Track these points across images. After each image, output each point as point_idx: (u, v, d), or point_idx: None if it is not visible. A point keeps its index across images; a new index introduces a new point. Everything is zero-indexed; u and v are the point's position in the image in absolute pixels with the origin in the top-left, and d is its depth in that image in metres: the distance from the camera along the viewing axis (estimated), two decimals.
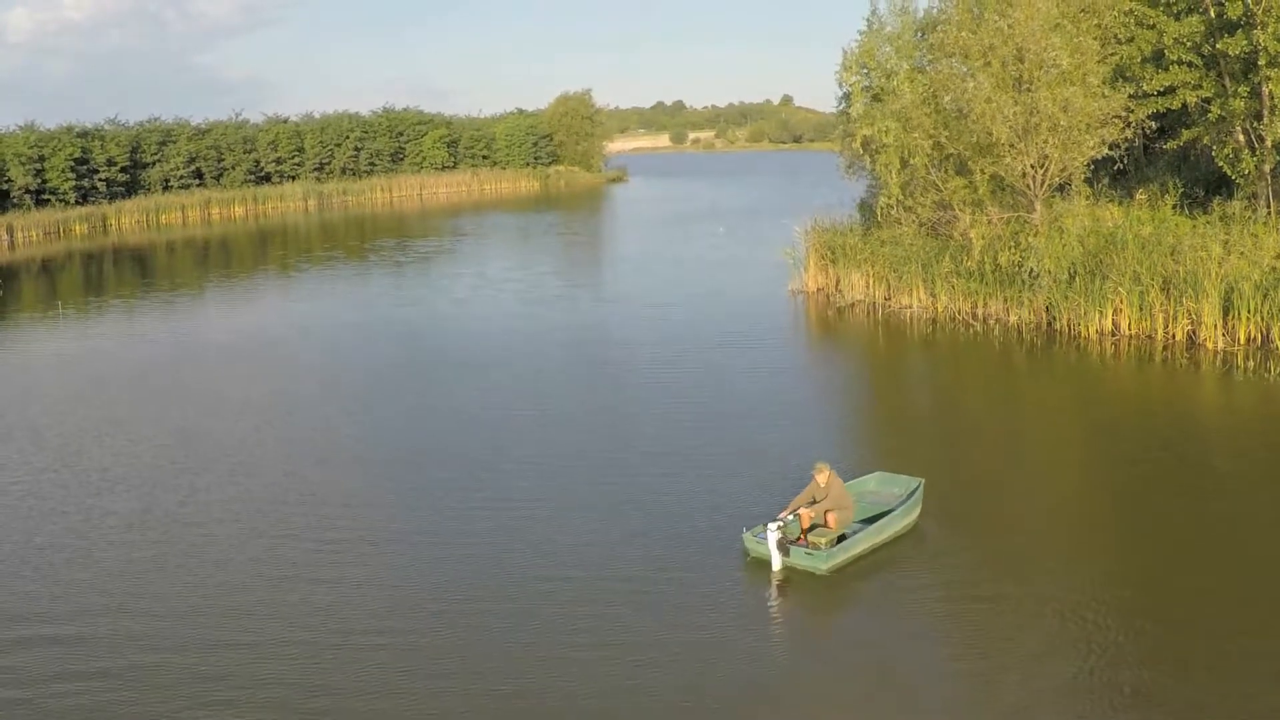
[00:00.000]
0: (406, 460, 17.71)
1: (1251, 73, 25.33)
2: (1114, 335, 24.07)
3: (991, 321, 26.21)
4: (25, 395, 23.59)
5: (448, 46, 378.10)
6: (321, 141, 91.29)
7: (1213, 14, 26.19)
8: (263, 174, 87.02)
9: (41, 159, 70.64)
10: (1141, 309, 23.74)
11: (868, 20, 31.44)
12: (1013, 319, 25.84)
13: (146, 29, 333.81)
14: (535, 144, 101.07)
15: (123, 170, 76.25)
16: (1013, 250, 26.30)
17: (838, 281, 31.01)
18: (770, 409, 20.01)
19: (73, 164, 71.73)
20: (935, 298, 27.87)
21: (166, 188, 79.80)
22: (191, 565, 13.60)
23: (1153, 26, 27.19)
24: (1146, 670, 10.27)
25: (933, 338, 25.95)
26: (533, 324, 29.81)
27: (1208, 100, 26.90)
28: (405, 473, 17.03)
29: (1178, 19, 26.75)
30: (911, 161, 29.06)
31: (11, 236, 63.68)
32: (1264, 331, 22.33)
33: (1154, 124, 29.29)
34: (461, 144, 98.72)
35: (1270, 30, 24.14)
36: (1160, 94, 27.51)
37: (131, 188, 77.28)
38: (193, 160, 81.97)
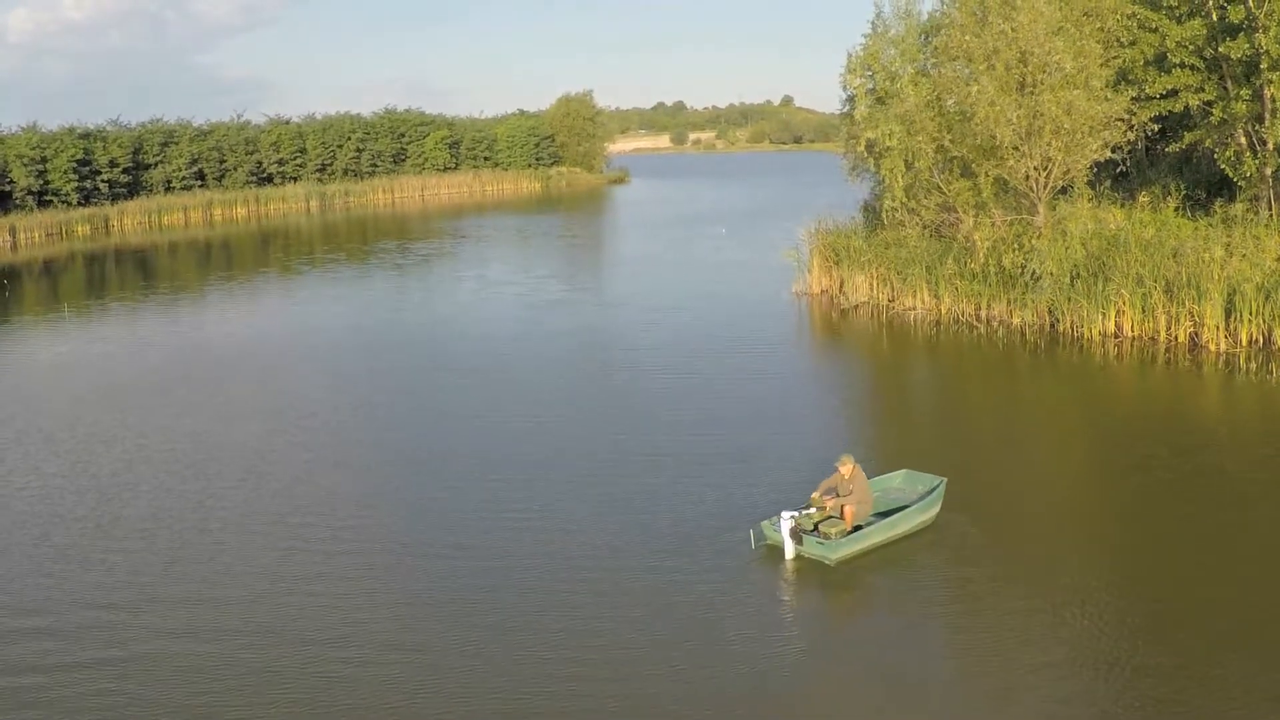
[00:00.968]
0: (412, 465, 17.72)
1: (1253, 76, 25.48)
2: (1117, 337, 24.21)
3: (995, 323, 26.35)
4: (36, 398, 23.65)
5: (449, 47, 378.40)
6: (323, 142, 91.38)
7: (1215, 17, 26.32)
8: (265, 175, 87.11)
9: (44, 160, 70.74)
10: (1144, 311, 23.89)
11: (872, 23, 31.62)
12: (1016, 321, 25.98)
13: (146, 29, 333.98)
14: (537, 145, 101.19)
15: (125, 171, 76.34)
16: (1016, 252, 26.45)
17: (842, 283, 31.15)
18: (776, 411, 20.13)
19: (75, 165, 71.81)
20: (939, 300, 28.01)
21: (169, 189, 79.88)
22: (203, 573, 13.54)
23: (1155, 30, 27.33)
24: (1140, 662, 10.40)
25: (937, 339, 26.09)
26: (536, 327, 29.89)
27: (1210, 103, 27.03)
28: (411, 477, 17.04)
29: (1180, 22, 26.88)
30: (915, 164, 29.21)
31: (14, 237, 63.75)
32: (1266, 333, 22.48)
33: (1156, 127, 29.42)
34: (463, 145, 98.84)
35: (1272, 34, 24.29)
36: (1163, 97, 27.65)
37: (134, 189, 77.37)
38: (195, 161, 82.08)
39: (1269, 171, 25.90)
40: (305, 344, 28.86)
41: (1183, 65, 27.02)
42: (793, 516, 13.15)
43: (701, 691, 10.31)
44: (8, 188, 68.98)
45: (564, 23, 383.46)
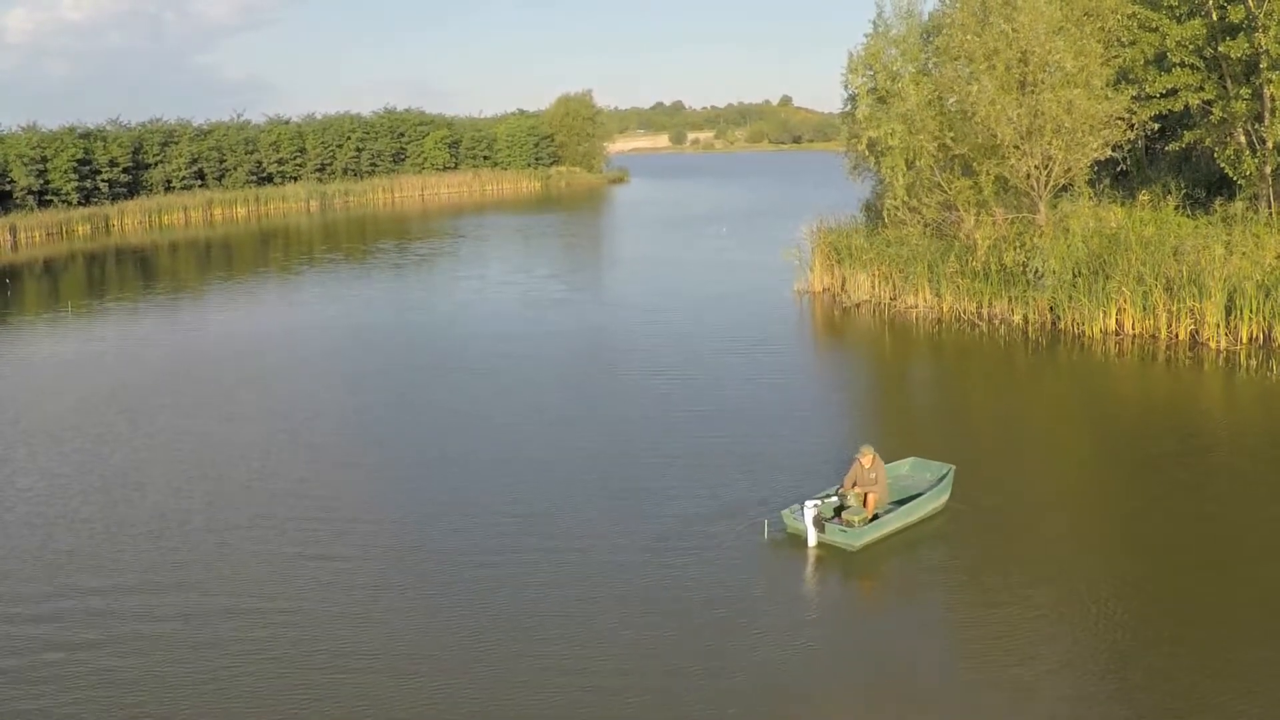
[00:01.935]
0: (417, 465, 17.65)
1: (1253, 75, 25.64)
2: (1117, 334, 24.35)
3: (997, 321, 26.49)
4: (41, 398, 23.68)
5: (448, 47, 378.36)
6: (323, 142, 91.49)
7: (1215, 17, 26.47)
8: (265, 175, 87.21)
9: (44, 160, 70.80)
10: (1145, 309, 24.03)
11: (873, 23, 31.74)
12: (1017, 318, 26.12)
13: (145, 29, 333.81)
14: (536, 145, 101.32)
15: (125, 171, 76.42)
16: (1017, 250, 26.58)
17: (843, 282, 31.27)
18: (779, 408, 20.25)
19: (75, 165, 71.89)
20: (941, 298, 28.14)
21: (169, 188, 79.97)
22: (207, 574, 13.48)
23: (1155, 29, 27.48)
24: (1153, 659, 10.52)
25: (939, 337, 26.22)
26: (538, 327, 29.92)
27: (1209, 102, 27.19)
28: (416, 478, 16.97)
29: (1180, 22, 27.04)
30: (917, 163, 29.35)
31: (14, 237, 63.78)
32: (1266, 331, 22.62)
33: (1156, 126, 29.60)
34: (463, 145, 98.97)
35: (1271, 33, 24.45)
36: (1163, 96, 27.81)
37: (134, 188, 77.44)
38: (195, 161, 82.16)
39: (1268, 170, 26.05)
40: (306, 344, 28.87)
41: (1183, 64, 27.18)
42: (815, 505, 13.36)
43: (713, 686, 10.37)
44: (8, 187, 69.03)
45: (563, 23, 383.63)
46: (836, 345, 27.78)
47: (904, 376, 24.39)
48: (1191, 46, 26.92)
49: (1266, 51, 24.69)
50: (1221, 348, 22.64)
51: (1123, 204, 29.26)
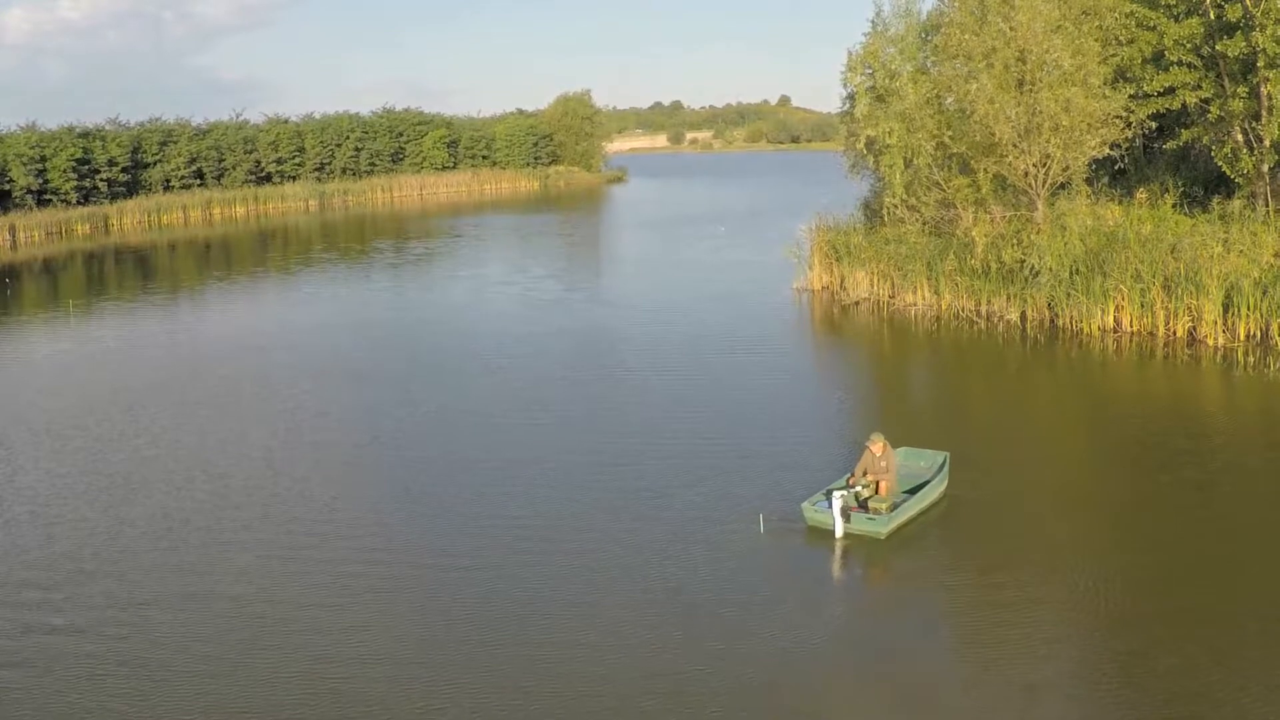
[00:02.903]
0: (420, 467, 17.42)
1: (1250, 74, 25.74)
2: (1115, 332, 24.45)
3: (995, 318, 26.58)
4: (43, 396, 23.72)
5: (447, 47, 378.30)
6: (322, 142, 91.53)
7: (1212, 16, 26.58)
8: (263, 174, 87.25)
9: (43, 159, 70.81)
10: (1143, 306, 24.13)
11: (872, 22, 31.87)
12: (1015, 316, 26.22)
13: (144, 30, 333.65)
14: (535, 144, 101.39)
15: (124, 170, 76.43)
16: (1015, 248, 26.67)
17: (842, 280, 31.36)
18: (779, 404, 20.35)
19: (74, 164, 71.89)
20: (939, 295, 28.24)
21: (168, 188, 79.99)
22: (210, 580, 13.36)
23: (1153, 28, 27.59)
24: (1154, 651, 10.59)
25: (937, 334, 26.32)
26: (539, 326, 29.91)
27: (1207, 101, 27.29)
28: (419, 481, 16.69)
29: (1178, 21, 27.15)
30: (915, 161, 29.46)
31: (13, 237, 63.81)
32: (1263, 328, 22.71)
33: (1154, 124, 29.69)
34: (461, 144, 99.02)
35: (1269, 32, 24.54)
36: (1160, 94, 27.91)
37: (133, 188, 77.46)
38: (194, 160, 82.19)
39: (1265, 168, 26.15)
40: (306, 343, 28.89)
41: (1180, 63, 27.28)
42: (842, 495, 13.41)
43: (714, 686, 10.28)
44: (7, 187, 69.04)
45: (562, 23, 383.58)
46: (835, 343, 27.88)
47: (903, 373, 24.49)
48: (1189, 45, 27.02)
49: (1263, 50, 24.78)
50: (1219, 345, 22.73)
51: (1120, 202, 29.35)
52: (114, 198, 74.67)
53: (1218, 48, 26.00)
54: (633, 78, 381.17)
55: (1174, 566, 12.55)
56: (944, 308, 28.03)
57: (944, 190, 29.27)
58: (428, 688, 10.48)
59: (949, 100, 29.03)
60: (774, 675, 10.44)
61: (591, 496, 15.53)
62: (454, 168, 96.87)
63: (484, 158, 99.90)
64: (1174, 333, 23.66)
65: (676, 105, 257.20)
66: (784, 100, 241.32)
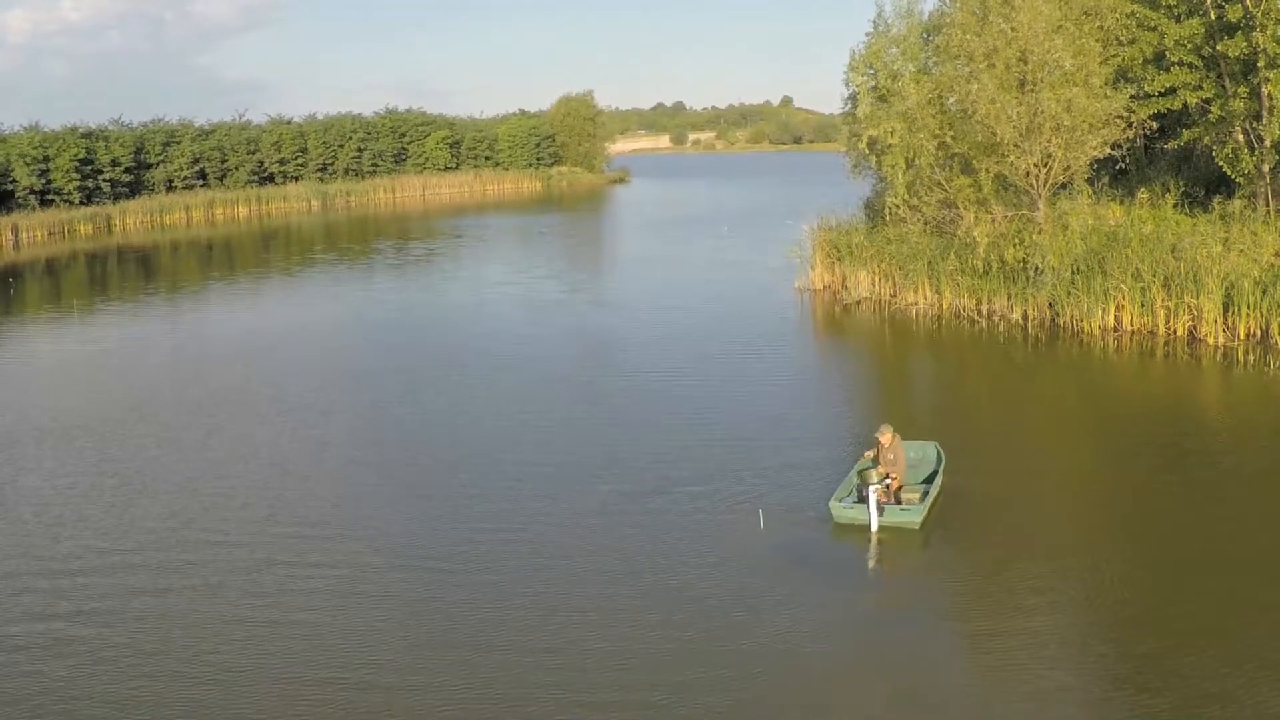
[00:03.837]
0: (422, 468, 17.36)
1: (1251, 74, 25.79)
2: (1116, 331, 24.51)
3: (996, 317, 26.65)
4: (48, 396, 23.80)
5: (449, 48, 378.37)
6: (325, 142, 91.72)
7: (1213, 16, 26.64)
8: (266, 175, 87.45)
9: (46, 159, 71.01)
10: (1143, 305, 24.19)
11: (874, 23, 31.97)
12: (1017, 315, 26.29)
13: (145, 30, 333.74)
14: (538, 145, 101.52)
15: (127, 171, 76.65)
16: (1017, 248, 26.74)
17: (844, 279, 31.44)
18: (781, 403, 20.43)
19: (77, 164, 72.11)
20: (941, 294, 28.31)
21: (170, 188, 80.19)
22: (213, 580, 13.48)
23: (1154, 29, 27.65)
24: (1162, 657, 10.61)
25: (938, 334, 26.39)
26: (544, 327, 29.92)
27: (1208, 101, 27.34)
28: (421, 482, 16.64)
29: (1178, 21, 27.20)
30: (917, 161, 29.52)
31: (16, 236, 63.98)
32: (1263, 327, 22.77)
33: (1155, 124, 29.75)
34: (464, 145, 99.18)
35: (1269, 32, 24.60)
36: (1161, 95, 27.96)
37: (135, 188, 77.67)
38: (196, 161, 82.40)
39: (1266, 168, 26.20)
40: (309, 343, 28.94)
41: (1181, 63, 27.34)
42: (875, 488, 13.39)
43: (715, 685, 10.24)
44: (10, 187, 69.24)
45: (564, 23, 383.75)
46: (837, 341, 27.96)
47: (904, 372, 24.56)
48: (1190, 45, 27.08)
49: (1264, 50, 24.84)
50: (1219, 344, 22.79)
51: (1121, 202, 29.40)
52: (117, 198, 74.88)
53: (1218, 48, 26.05)
54: (635, 79, 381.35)
55: (1183, 566, 12.49)
56: (945, 307, 28.10)
57: (946, 190, 29.34)
58: (431, 687, 10.44)
59: (951, 100, 29.10)
60: (777, 675, 10.43)
61: (594, 495, 15.53)
62: (456, 168, 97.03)
63: (486, 158, 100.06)
64: (1174, 332, 23.72)
65: (679, 106, 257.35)
66: (786, 101, 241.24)
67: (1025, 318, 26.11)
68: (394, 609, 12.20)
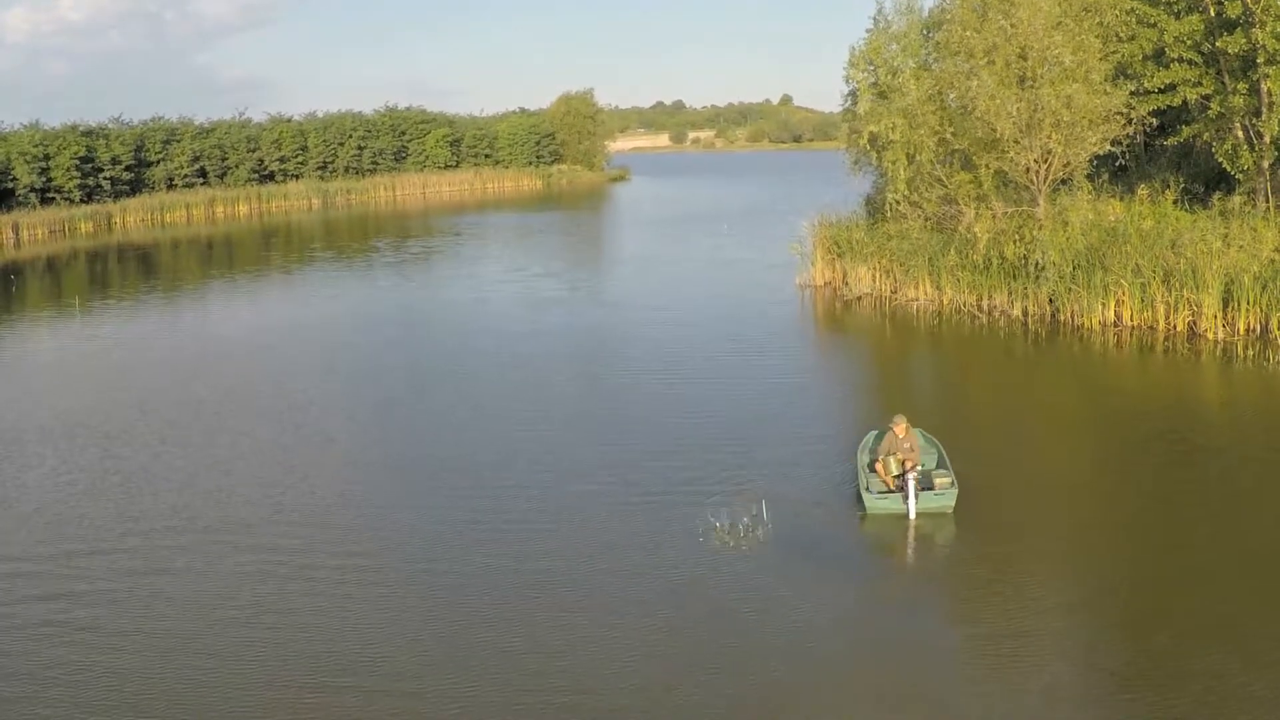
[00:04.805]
0: (424, 467, 17.18)
1: (1250, 70, 25.84)
2: (1116, 326, 24.58)
3: (996, 313, 26.73)
4: (51, 392, 23.80)
5: (449, 46, 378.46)
6: (325, 140, 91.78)
7: (1212, 12, 26.69)
8: (266, 173, 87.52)
9: (46, 157, 71.06)
10: (1143, 300, 24.27)
11: (874, 19, 32.04)
12: (1017, 311, 26.36)
13: (145, 29, 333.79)
14: (538, 143, 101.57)
15: (127, 169, 76.70)
16: (1017, 243, 26.81)
17: (845, 275, 31.51)
18: (783, 398, 20.49)
19: (77, 162, 72.16)
20: (941, 290, 28.38)
21: (171, 186, 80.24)
22: (215, 580, 13.42)
23: (1153, 25, 27.70)
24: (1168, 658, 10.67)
25: (939, 329, 26.46)
26: (543, 325, 29.84)
27: (1207, 97, 27.39)
28: (423, 481, 16.46)
29: (1178, 17, 27.25)
30: (917, 157, 29.57)
31: (17, 234, 64.02)
32: (1263, 322, 22.85)
33: (1155, 121, 29.81)
34: (464, 143, 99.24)
35: (1269, 28, 24.66)
36: (1161, 91, 28.00)
37: (136, 186, 77.72)
38: (197, 159, 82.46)
39: (1266, 164, 26.25)
40: (311, 340, 28.93)
41: (1180, 60, 27.38)
42: (914, 477, 13.61)
43: (715, 684, 10.19)
44: (10, 185, 69.29)
45: (564, 22, 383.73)
46: (837, 337, 28.02)
47: (905, 368, 24.61)
48: (1189, 42, 27.12)
49: (1263, 47, 24.88)
50: (1219, 338, 22.87)
51: (1121, 199, 29.46)
52: (117, 196, 74.94)
53: (1218, 44, 26.10)
54: (635, 77, 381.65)
55: (1190, 560, 12.45)
56: (945, 303, 28.17)
57: (946, 186, 29.40)
58: (433, 687, 10.36)
59: (951, 97, 29.16)
60: (779, 673, 10.37)
61: (597, 492, 15.48)
62: (456, 166, 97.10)
63: (486, 156, 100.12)
64: (1174, 327, 23.80)
65: (679, 105, 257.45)
66: (786, 100, 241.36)
67: (1026, 313, 26.18)
68: (394, 608, 12.09)
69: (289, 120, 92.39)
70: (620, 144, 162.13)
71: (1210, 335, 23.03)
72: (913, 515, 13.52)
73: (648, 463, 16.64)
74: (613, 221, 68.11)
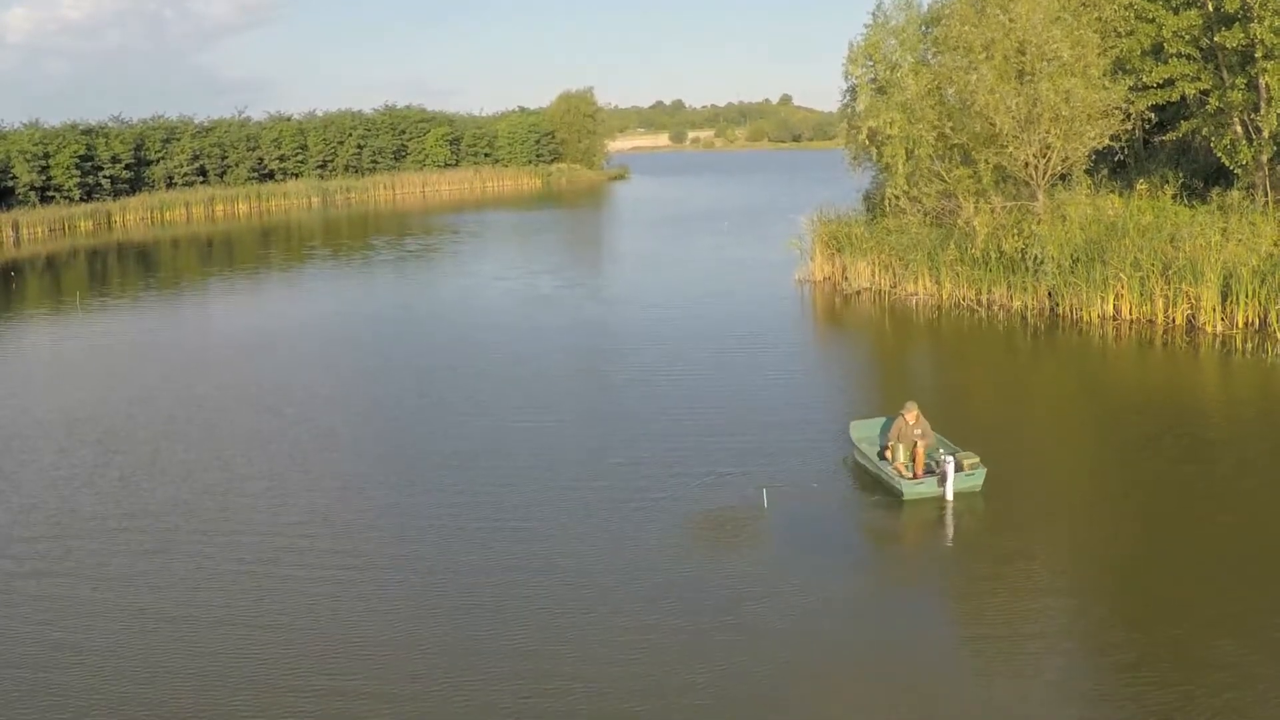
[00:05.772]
0: (424, 467, 17.08)
1: (1248, 65, 25.87)
2: (1115, 320, 24.61)
3: (995, 307, 26.76)
4: (52, 389, 23.85)
5: (449, 45, 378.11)
6: (324, 139, 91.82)
7: (1210, 8, 26.73)
8: (266, 171, 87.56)
9: (46, 156, 71.11)
10: (1142, 294, 24.29)
11: (873, 14, 32.06)
12: (1016, 305, 26.39)
13: (145, 28, 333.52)
14: (537, 142, 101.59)
15: (127, 167, 76.75)
16: (1016, 238, 26.84)
17: (844, 270, 31.54)
18: (783, 392, 20.56)
19: (77, 161, 72.23)
20: (940, 285, 28.41)
21: (170, 185, 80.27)
22: (216, 580, 13.29)
23: (1152, 20, 27.74)
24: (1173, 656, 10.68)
25: (938, 323, 26.49)
26: (547, 321, 29.77)
27: (1206, 92, 27.42)
28: (423, 481, 16.34)
29: (1176, 13, 27.29)
30: (916, 152, 29.62)
31: (17, 233, 64.09)
32: (1261, 315, 22.87)
33: (1153, 116, 29.84)
34: (464, 142, 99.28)
35: (1267, 23, 24.68)
36: (1159, 86, 28.05)
37: (136, 185, 77.77)
38: (196, 158, 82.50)
39: (1264, 159, 26.29)
40: (311, 338, 28.99)
41: (1179, 55, 27.41)
42: (949, 460, 13.94)
43: (716, 685, 10.09)
44: (10, 183, 69.34)
45: (564, 21, 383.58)
46: (837, 332, 28.06)
47: (904, 361, 24.63)
48: (1187, 37, 27.16)
49: (1261, 41, 24.91)
50: (1218, 332, 22.90)
51: (1121, 194, 29.50)
52: (117, 194, 75.01)
53: (1216, 39, 26.13)
54: (635, 77, 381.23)
55: (1193, 554, 12.41)
56: (945, 297, 28.20)
57: (945, 181, 29.43)
58: (433, 686, 10.30)
59: (950, 92, 29.20)
60: (780, 672, 10.30)
61: (598, 488, 15.46)
62: (456, 165, 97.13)
63: (486, 155, 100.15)
64: (1173, 320, 23.82)
65: (678, 104, 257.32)
66: (785, 99, 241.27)
67: (1025, 307, 26.21)
68: (394, 607, 12.02)
69: (288, 119, 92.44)
70: (620, 143, 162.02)
71: (1209, 329, 23.06)
72: (949, 496, 13.93)
73: (648, 457, 16.65)
74: (612, 220, 68.12)
